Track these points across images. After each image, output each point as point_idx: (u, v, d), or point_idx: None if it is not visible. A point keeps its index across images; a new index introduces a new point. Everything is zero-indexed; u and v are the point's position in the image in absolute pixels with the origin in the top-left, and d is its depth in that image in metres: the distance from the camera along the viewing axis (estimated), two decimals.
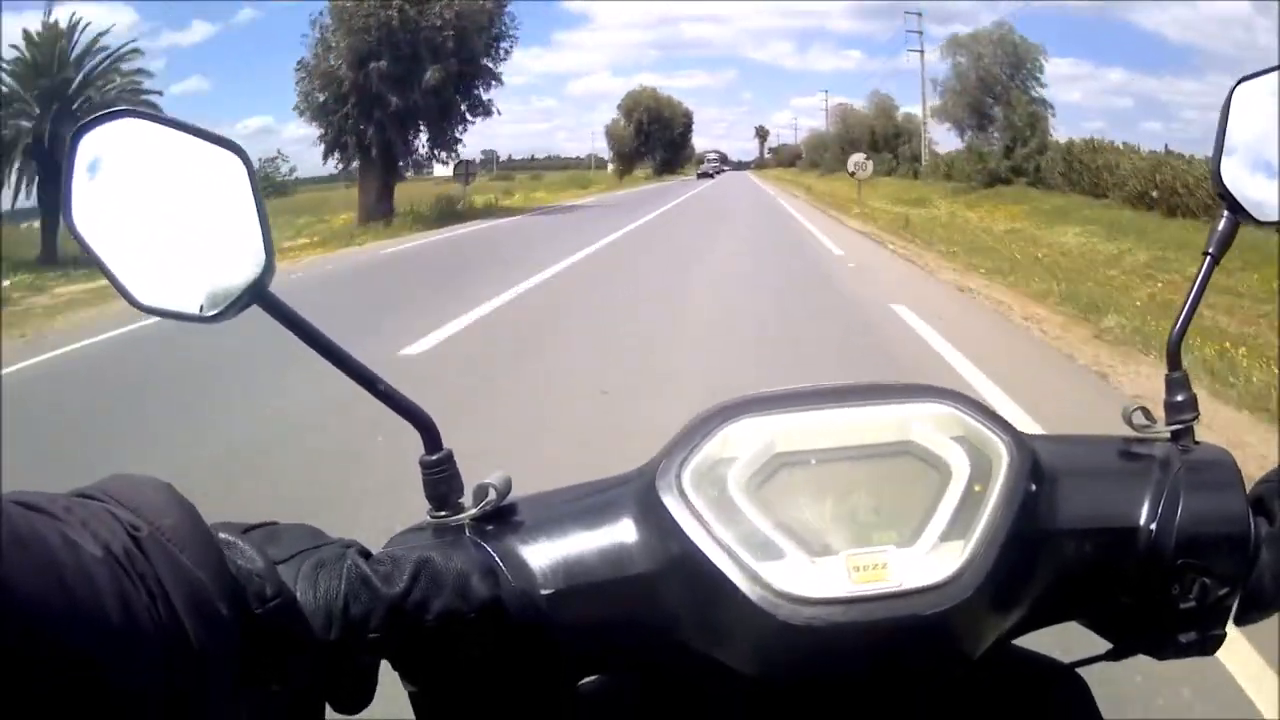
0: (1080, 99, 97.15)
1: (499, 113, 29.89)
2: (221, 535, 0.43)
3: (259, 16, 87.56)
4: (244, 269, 0.47)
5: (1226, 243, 0.60)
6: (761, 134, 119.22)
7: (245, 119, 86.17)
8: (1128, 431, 0.59)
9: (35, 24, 21.83)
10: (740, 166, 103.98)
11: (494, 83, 28.98)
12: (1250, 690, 2.10)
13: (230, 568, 0.41)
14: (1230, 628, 0.56)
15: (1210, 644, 0.55)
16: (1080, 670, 0.62)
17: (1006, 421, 0.53)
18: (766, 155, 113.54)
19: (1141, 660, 0.59)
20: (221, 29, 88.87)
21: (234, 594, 0.40)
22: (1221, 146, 0.59)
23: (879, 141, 47.60)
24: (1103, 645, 0.60)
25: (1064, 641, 0.61)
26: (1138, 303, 8.09)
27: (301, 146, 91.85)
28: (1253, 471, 0.58)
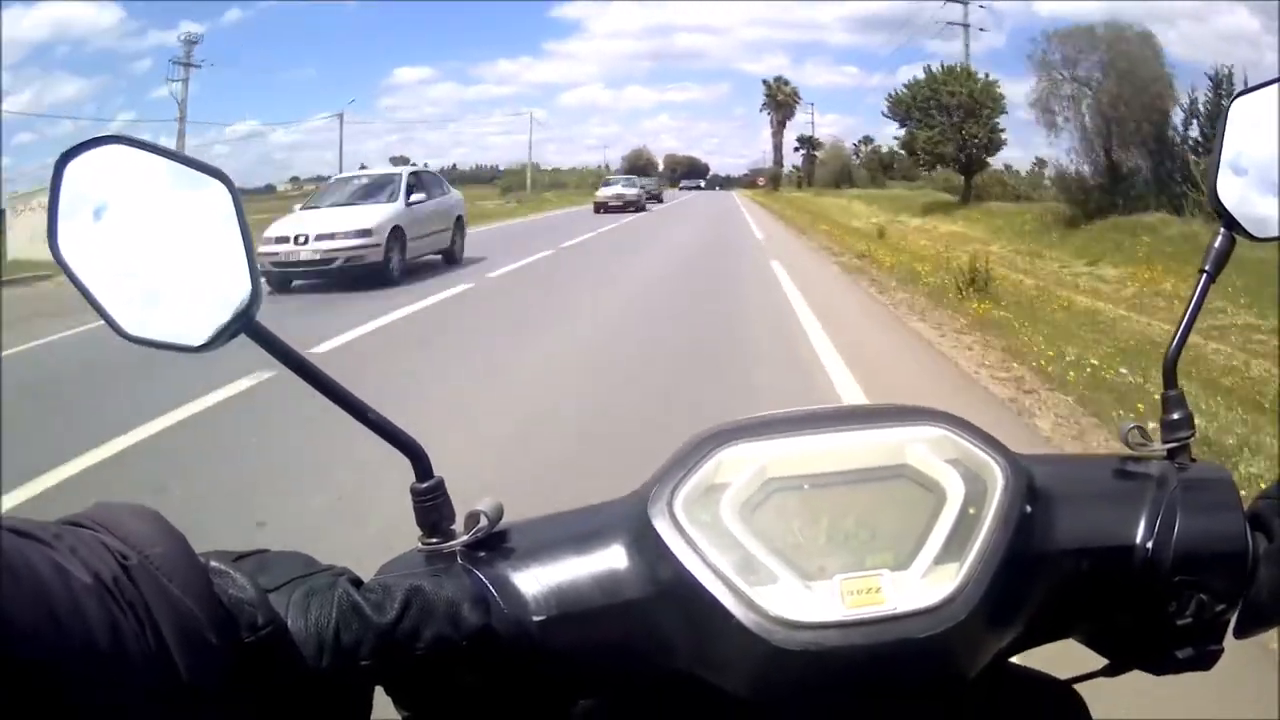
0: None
1: None
2: (212, 564, 0.43)
3: (247, 17, 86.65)
4: (231, 298, 0.47)
5: (1223, 260, 0.59)
6: (779, 99, 60.74)
7: (233, 123, 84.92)
8: (1124, 450, 0.59)
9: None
10: (724, 184, 75.41)
11: None
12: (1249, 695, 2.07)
13: (221, 596, 0.42)
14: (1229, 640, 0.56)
15: (1207, 659, 0.55)
16: (1077, 686, 0.62)
17: (1001, 444, 0.53)
18: (794, 161, 62.31)
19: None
20: (209, 29, 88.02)
21: (224, 623, 0.41)
22: (1218, 162, 0.59)
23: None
24: (1099, 661, 0.60)
25: (1060, 658, 0.61)
26: None
27: (289, 152, 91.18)
28: None
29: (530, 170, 66.19)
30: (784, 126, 62.89)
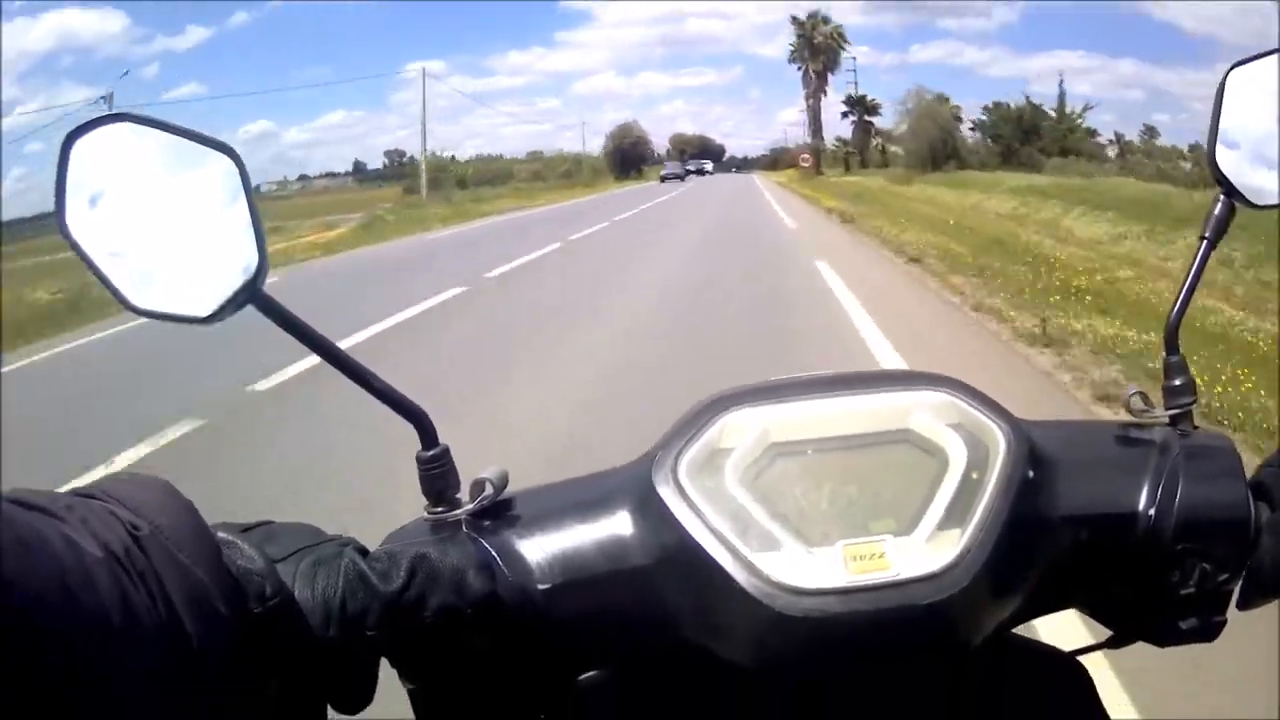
0: (1090, 91, 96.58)
1: None
2: (220, 534, 0.43)
3: (255, 19, 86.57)
4: (238, 270, 0.47)
5: (1223, 227, 0.60)
6: (815, 41, 40.51)
7: (245, 124, 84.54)
8: (1126, 416, 0.59)
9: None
10: (742, 166, 67.12)
11: None
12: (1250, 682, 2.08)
13: (230, 567, 0.42)
14: (1231, 613, 0.56)
15: (1211, 630, 0.55)
16: (1080, 658, 0.62)
17: (1004, 409, 0.53)
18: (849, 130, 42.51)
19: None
20: (216, 32, 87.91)
21: (233, 593, 0.41)
22: (1216, 131, 0.59)
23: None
24: (1103, 633, 0.60)
25: (1064, 631, 0.61)
26: None
27: (304, 151, 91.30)
28: None
29: (425, 160, 44.80)
30: (824, 80, 42.64)
